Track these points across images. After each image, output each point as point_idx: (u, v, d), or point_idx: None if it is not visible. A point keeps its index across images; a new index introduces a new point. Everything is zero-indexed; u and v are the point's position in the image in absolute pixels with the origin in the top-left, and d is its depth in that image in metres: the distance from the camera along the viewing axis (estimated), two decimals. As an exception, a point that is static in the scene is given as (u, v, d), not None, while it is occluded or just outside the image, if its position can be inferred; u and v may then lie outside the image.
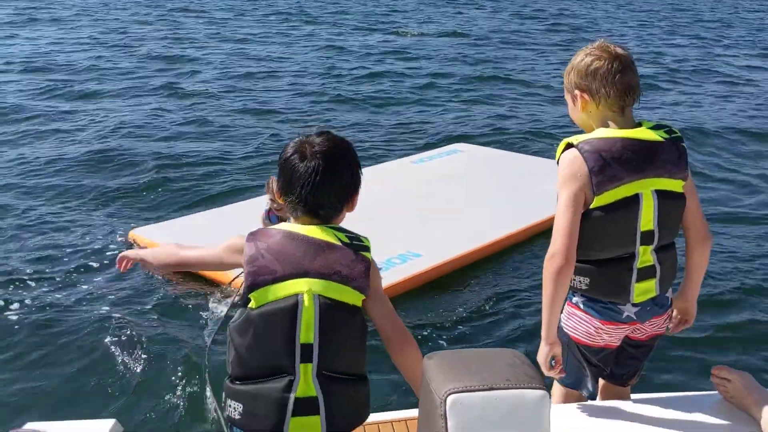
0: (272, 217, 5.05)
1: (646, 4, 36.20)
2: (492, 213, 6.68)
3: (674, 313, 2.66)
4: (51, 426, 1.94)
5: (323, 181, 1.95)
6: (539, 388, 1.54)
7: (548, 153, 9.29)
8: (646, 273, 2.43)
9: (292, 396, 1.87)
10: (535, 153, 9.46)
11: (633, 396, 2.60)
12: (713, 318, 5.30)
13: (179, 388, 4.34)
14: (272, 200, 4.88)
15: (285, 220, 4.80)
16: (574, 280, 2.47)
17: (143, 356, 4.59)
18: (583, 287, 2.48)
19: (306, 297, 1.89)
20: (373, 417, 3.46)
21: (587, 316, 2.51)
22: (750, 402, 2.35)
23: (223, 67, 15.61)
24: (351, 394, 1.96)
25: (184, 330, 4.93)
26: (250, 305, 1.92)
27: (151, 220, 6.84)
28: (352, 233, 2.02)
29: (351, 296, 1.94)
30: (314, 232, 1.97)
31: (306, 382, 1.89)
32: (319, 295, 1.90)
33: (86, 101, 12.21)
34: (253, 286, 1.91)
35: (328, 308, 1.90)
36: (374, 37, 21.08)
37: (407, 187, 7.37)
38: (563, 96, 2.58)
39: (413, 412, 2.89)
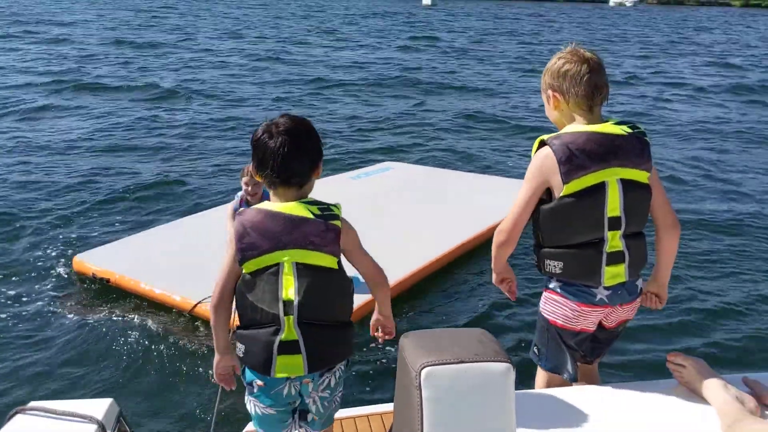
0: (243, 204, 5.17)
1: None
2: (438, 227, 6.65)
3: (647, 295, 2.88)
4: (53, 404, 2.05)
5: (290, 153, 2.29)
6: (504, 362, 1.69)
7: (470, 168, 9.81)
8: (615, 258, 2.62)
9: (277, 339, 2.28)
10: (458, 168, 9.73)
11: (587, 387, 2.70)
12: (670, 307, 5.56)
13: (174, 371, 4.53)
14: (246, 185, 5.00)
15: (253, 204, 5.01)
16: (549, 264, 2.70)
17: (136, 344, 4.77)
18: (558, 271, 2.68)
19: (286, 265, 2.27)
20: (349, 411, 3.61)
21: (564, 299, 2.71)
22: (704, 386, 2.46)
23: (170, 84, 15.39)
24: (330, 337, 2.35)
25: (176, 322, 5.09)
26: (243, 271, 2.31)
27: (96, 243, 6.47)
28: (324, 204, 2.35)
29: (325, 260, 2.31)
30: (291, 209, 2.31)
31: (289, 329, 2.29)
32: (296, 262, 2.28)
33: (21, 120, 12.04)
34: (243, 259, 2.29)
35: (305, 272, 2.28)
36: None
37: (350, 201, 7.03)
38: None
39: (388, 407, 3.02)
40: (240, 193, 5.18)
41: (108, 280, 5.50)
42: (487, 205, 7.34)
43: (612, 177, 2.57)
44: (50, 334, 4.94)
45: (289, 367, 2.31)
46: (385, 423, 3.16)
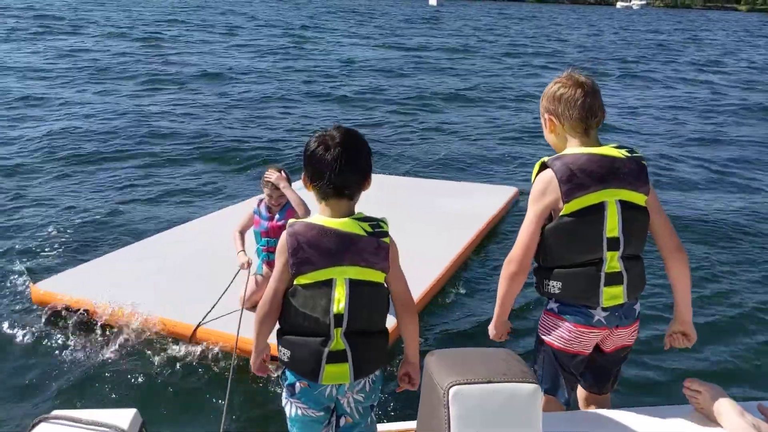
0: (265, 209, 5.11)
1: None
2: (435, 241, 6.41)
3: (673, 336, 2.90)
4: (77, 413, 2.07)
5: (347, 164, 2.37)
6: (532, 383, 1.71)
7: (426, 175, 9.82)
8: (613, 279, 2.67)
9: (327, 350, 2.40)
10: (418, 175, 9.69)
11: (612, 410, 2.70)
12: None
13: (194, 381, 4.54)
14: (269, 195, 4.97)
15: (274, 213, 5.06)
16: (548, 285, 2.75)
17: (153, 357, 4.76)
18: (556, 291, 2.72)
19: (338, 280, 2.37)
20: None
21: (561, 320, 2.75)
22: (719, 413, 2.47)
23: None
24: (372, 345, 2.48)
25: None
26: (295, 283, 2.41)
27: (54, 270, 5.93)
28: (374, 221, 2.44)
29: (375, 275, 2.43)
30: (344, 225, 2.39)
31: (337, 340, 2.40)
32: (350, 279, 2.38)
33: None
34: (297, 273, 2.38)
35: (356, 287, 2.39)
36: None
37: None
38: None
39: (407, 424, 3.03)
40: (261, 201, 5.13)
41: (88, 311, 4.96)
42: (473, 212, 7.40)
43: (611, 198, 2.64)
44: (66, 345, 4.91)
45: (336, 375, 2.42)
46: None
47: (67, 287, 5.18)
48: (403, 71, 22.19)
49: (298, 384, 2.48)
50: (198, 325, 4.75)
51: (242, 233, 5.15)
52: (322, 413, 2.52)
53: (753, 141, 13.60)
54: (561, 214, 2.63)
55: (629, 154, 2.68)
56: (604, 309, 2.69)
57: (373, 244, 2.39)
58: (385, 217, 2.48)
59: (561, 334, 2.74)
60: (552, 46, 32.14)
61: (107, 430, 2.03)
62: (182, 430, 4.10)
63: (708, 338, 5.47)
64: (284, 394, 2.55)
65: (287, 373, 2.52)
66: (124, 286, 5.21)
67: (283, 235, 2.41)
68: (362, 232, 2.39)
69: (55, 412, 2.11)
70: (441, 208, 7.58)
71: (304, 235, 2.37)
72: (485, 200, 7.94)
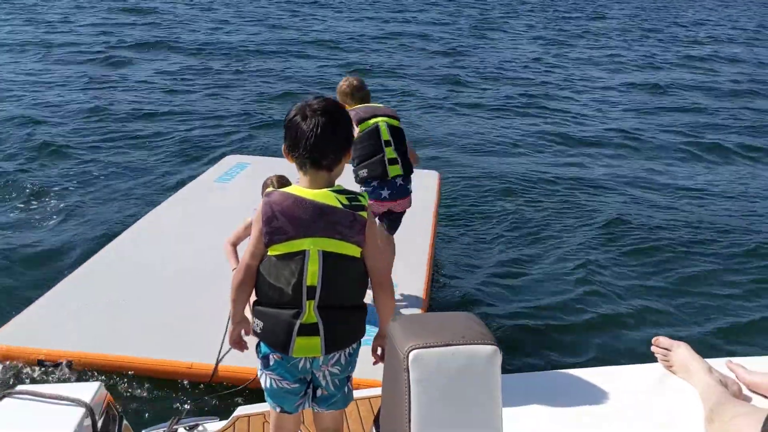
0: None
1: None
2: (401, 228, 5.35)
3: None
4: (41, 388, 2.06)
5: (323, 134, 2.30)
6: (491, 344, 1.71)
7: None
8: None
9: (298, 322, 2.34)
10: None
11: (578, 369, 2.70)
12: (653, 294, 5.65)
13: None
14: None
15: None
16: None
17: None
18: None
19: (312, 252, 2.31)
20: None
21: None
22: (688, 370, 2.50)
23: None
24: (346, 320, 2.41)
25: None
26: (269, 253, 2.34)
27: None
28: (352, 194, 2.39)
29: (349, 249, 2.35)
30: (320, 196, 2.33)
31: (309, 312, 2.34)
32: (322, 250, 2.31)
33: None
34: (269, 242, 2.32)
35: (330, 259, 2.32)
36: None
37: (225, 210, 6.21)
38: None
39: (375, 391, 3.05)
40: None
41: (71, 363, 4.20)
42: (415, 198, 6.83)
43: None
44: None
45: (306, 348, 2.38)
46: (373, 406, 3.19)
47: (25, 337, 4.36)
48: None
49: (272, 356, 2.45)
50: (217, 364, 4.19)
51: (235, 246, 4.43)
52: (297, 385, 2.49)
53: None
54: None
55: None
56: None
57: (349, 217, 2.34)
58: (365, 192, 2.40)
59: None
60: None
61: (70, 404, 2.02)
62: (150, 404, 4.10)
63: (676, 299, 5.57)
64: (259, 366, 2.52)
65: (262, 345, 2.48)
66: (92, 330, 4.45)
67: (260, 204, 2.37)
68: (338, 204, 2.34)
69: (20, 387, 2.10)
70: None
71: (279, 204, 2.33)
72: (417, 186, 7.59)
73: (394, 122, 4.51)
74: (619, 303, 5.53)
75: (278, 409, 2.55)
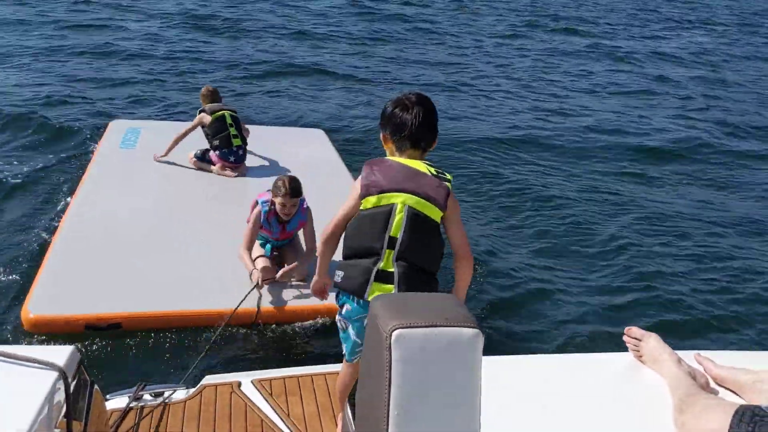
0: (273, 219, 4.96)
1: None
2: (332, 191, 5.91)
3: None
4: (12, 349, 2.01)
5: (424, 121, 2.71)
6: (473, 327, 1.72)
7: None
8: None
9: (376, 268, 2.69)
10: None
11: (546, 356, 2.77)
12: (627, 285, 5.74)
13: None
14: (283, 205, 4.80)
15: (284, 222, 5.03)
16: None
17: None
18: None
19: (399, 205, 2.66)
20: (306, 369, 3.65)
21: None
22: (658, 361, 2.52)
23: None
24: (420, 280, 2.69)
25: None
26: (360, 208, 2.71)
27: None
28: (439, 168, 2.76)
29: (432, 211, 2.69)
30: (413, 163, 2.72)
31: (387, 261, 2.68)
32: (409, 206, 2.66)
33: None
34: (365, 194, 2.68)
35: (414, 216, 2.66)
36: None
37: (167, 192, 6.59)
38: None
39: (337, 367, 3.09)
40: (262, 208, 4.93)
41: (119, 325, 4.46)
42: (322, 157, 7.61)
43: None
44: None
45: (380, 293, 2.61)
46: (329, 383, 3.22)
47: (66, 304, 4.52)
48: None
49: (347, 305, 2.79)
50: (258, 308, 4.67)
51: (249, 250, 4.94)
52: (359, 339, 2.78)
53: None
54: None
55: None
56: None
57: (436, 182, 2.69)
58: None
59: None
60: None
61: (44, 367, 1.98)
62: (123, 368, 4.08)
63: (648, 292, 5.68)
64: (338, 312, 2.87)
65: (340, 293, 2.80)
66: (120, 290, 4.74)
67: (362, 171, 2.73)
68: (427, 172, 2.70)
69: None
70: (286, 157, 7.45)
71: (378, 164, 2.72)
72: (315, 145, 8.15)
73: (234, 114, 7.11)
74: (594, 294, 5.61)
75: (344, 348, 2.91)
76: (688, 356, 2.57)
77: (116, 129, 8.14)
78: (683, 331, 5.07)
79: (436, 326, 1.69)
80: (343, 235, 2.81)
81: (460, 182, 8.05)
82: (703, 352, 2.62)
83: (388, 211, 2.66)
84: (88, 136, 8.41)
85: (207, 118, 7.01)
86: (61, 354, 2.05)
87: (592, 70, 16.13)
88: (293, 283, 4.99)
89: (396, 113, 2.74)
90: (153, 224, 5.74)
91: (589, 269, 6.09)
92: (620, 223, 7.20)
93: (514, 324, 5.04)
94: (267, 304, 4.73)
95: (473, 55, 17.50)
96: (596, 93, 13.98)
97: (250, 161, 7.29)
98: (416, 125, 2.71)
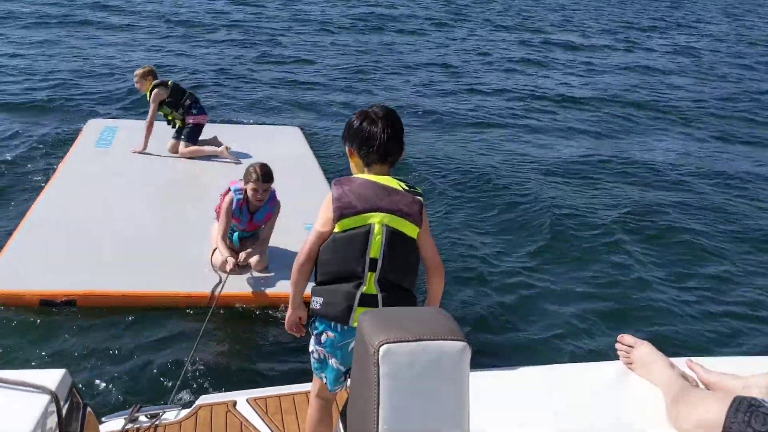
0: (244, 207, 5.14)
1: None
2: (308, 187, 6.70)
3: None
4: (4, 373, 2.01)
5: (392, 135, 2.66)
6: (461, 340, 1.73)
7: None
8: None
9: (359, 292, 2.61)
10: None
11: (542, 367, 2.74)
12: (617, 293, 5.76)
13: (127, 343, 4.49)
14: (255, 190, 4.99)
15: (255, 210, 5.19)
16: None
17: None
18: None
19: (377, 226, 2.60)
20: (290, 388, 3.64)
21: None
22: (650, 365, 2.53)
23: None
24: (402, 299, 2.64)
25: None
26: (335, 230, 2.61)
27: None
28: (410, 184, 2.73)
29: (409, 228, 2.64)
30: (384, 180, 2.67)
31: (369, 284, 2.61)
32: (387, 225, 2.60)
33: None
34: (339, 217, 2.59)
35: (393, 235, 2.61)
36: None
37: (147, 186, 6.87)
38: None
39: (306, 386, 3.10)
40: (235, 196, 5.09)
41: (74, 303, 4.72)
42: (297, 154, 7.82)
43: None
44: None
45: None
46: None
47: (23, 280, 4.80)
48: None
49: (325, 333, 2.68)
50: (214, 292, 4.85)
51: (225, 238, 5.17)
52: (342, 368, 2.69)
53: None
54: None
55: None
56: None
57: (409, 198, 2.65)
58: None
59: None
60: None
61: (36, 390, 1.99)
62: (116, 391, 4.07)
63: (642, 303, 5.70)
64: (312, 342, 2.76)
65: (317, 322, 2.70)
66: (84, 268, 5.05)
67: (330, 191, 2.66)
68: (399, 188, 2.66)
69: None
70: (260, 154, 7.45)
71: (349, 184, 2.64)
72: (290, 143, 8.37)
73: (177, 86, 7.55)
74: (580, 303, 5.62)
75: (324, 380, 2.78)
76: (680, 362, 2.59)
77: (93, 128, 8.41)
78: (672, 339, 5.10)
79: (422, 340, 1.71)
80: (317, 260, 2.70)
81: (439, 190, 8.13)
82: (694, 359, 2.64)
83: (366, 232, 2.59)
84: (66, 135, 8.54)
85: (164, 92, 7.32)
86: (53, 377, 2.06)
87: (570, 78, 16.25)
88: (255, 274, 5.18)
89: (363, 127, 2.69)
90: (118, 212, 6.03)
91: (574, 278, 6.09)
92: (605, 232, 7.22)
93: (501, 336, 5.02)
94: (233, 290, 4.91)
95: (458, 56, 17.68)
96: (580, 98, 14.09)
97: (223, 160, 7.54)
98: (385, 139, 2.65)
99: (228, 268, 4.94)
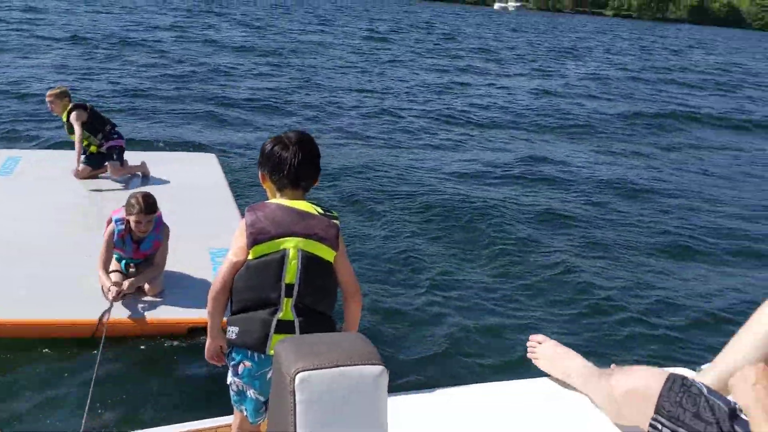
0: (127, 238, 4.98)
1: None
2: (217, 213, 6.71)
3: None
4: None
5: (303, 160, 2.65)
6: (378, 365, 1.71)
7: None
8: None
9: (275, 319, 2.56)
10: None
11: (463, 387, 2.69)
12: (534, 307, 5.87)
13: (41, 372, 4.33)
14: (138, 222, 4.84)
15: (138, 241, 5.07)
16: None
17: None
18: None
19: (292, 251, 2.57)
20: (204, 423, 3.52)
21: None
22: (555, 361, 2.60)
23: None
24: (320, 325, 2.59)
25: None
26: (249, 257, 2.57)
27: None
28: (326, 208, 2.71)
29: (325, 252, 2.62)
30: (299, 204, 2.64)
31: (286, 310, 2.57)
32: (302, 250, 2.57)
33: None
34: (253, 243, 2.56)
35: (308, 259, 2.58)
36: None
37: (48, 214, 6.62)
38: None
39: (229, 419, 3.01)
40: (116, 227, 4.94)
41: None
42: (210, 182, 7.73)
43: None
44: None
45: None
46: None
47: None
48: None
49: (242, 364, 2.63)
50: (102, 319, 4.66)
51: (106, 269, 5.00)
52: (262, 398, 2.66)
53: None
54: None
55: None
56: None
57: (325, 222, 2.64)
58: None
59: None
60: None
61: None
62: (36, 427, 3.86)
63: (557, 313, 5.83)
64: (229, 373, 2.71)
65: (233, 352, 2.65)
66: None
67: (244, 216, 2.61)
68: (315, 212, 2.64)
69: None
70: (172, 180, 7.52)
71: (262, 209, 2.61)
72: (204, 169, 8.34)
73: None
74: (501, 317, 5.69)
75: (244, 412, 2.74)
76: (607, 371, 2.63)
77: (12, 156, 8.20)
78: (600, 348, 5.21)
79: (339, 366, 1.68)
80: (232, 288, 2.66)
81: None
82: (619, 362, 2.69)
83: (281, 258, 2.56)
84: None
85: (83, 114, 7.15)
86: None
87: (516, 95, 16.74)
88: (147, 299, 5.02)
89: (275, 151, 2.67)
90: (12, 238, 5.86)
91: (490, 295, 6.16)
92: (524, 248, 7.40)
93: (422, 357, 4.98)
94: (120, 317, 4.76)
95: (380, 80, 17.94)
96: (496, 118, 14.55)
97: (133, 185, 7.36)
98: (295, 164, 2.64)
99: (111, 296, 4.79)
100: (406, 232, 7.54)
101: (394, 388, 2.52)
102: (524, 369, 4.46)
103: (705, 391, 2.00)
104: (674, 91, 22.34)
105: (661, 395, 2.02)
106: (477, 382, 2.74)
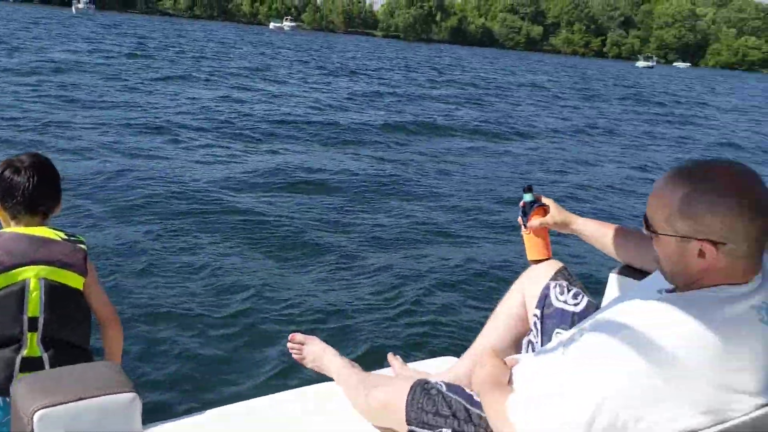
0: None
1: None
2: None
3: None
4: None
5: (39, 184, 2.48)
6: (129, 392, 1.63)
7: None
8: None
9: (19, 357, 2.36)
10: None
11: (242, 403, 2.55)
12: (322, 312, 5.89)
13: None
14: None
15: None
16: None
17: None
18: None
19: (33, 280, 2.38)
20: None
21: None
22: (322, 360, 2.63)
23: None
24: (71, 356, 2.37)
25: None
26: None
27: None
28: (70, 233, 2.54)
29: (72, 279, 2.45)
30: (38, 231, 2.46)
31: (31, 346, 2.38)
32: (44, 278, 2.39)
33: None
34: None
35: (53, 289, 2.40)
36: None
37: None
38: None
39: None
40: None
41: None
42: None
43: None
44: None
45: None
46: None
47: None
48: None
49: None
50: None
51: None
52: None
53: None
54: None
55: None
56: None
57: (69, 247, 2.47)
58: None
59: None
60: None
61: None
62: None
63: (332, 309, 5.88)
64: None
65: None
66: None
67: None
68: (57, 237, 2.47)
69: None
70: None
71: None
72: None
73: None
74: (267, 324, 5.54)
75: None
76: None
77: None
78: (377, 342, 5.28)
79: (84, 399, 1.57)
80: None
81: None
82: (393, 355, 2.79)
83: (21, 290, 2.36)
84: None
85: None
86: None
87: (292, 110, 16.86)
88: None
89: (5, 176, 2.49)
90: None
91: (264, 298, 6.03)
92: (305, 245, 7.51)
93: (191, 380, 4.62)
94: None
95: (151, 97, 17.39)
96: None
97: None
98: (30, 188, 2.48)
99: None
100: (177, 247, 7.21)
101: (161, 417, 2.41)
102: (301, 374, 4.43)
103: (444, 389, 2.13)
104: (432, 104, 24.38)
105: (406, 406, 2.12)
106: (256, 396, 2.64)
